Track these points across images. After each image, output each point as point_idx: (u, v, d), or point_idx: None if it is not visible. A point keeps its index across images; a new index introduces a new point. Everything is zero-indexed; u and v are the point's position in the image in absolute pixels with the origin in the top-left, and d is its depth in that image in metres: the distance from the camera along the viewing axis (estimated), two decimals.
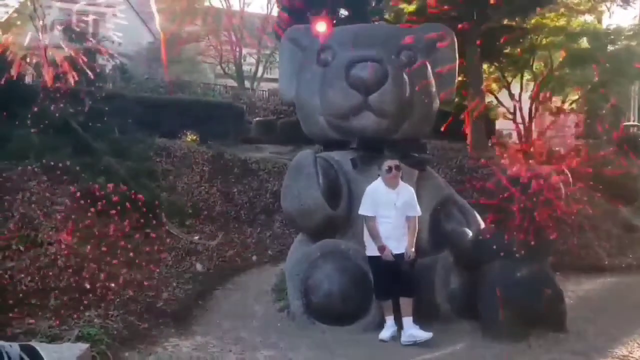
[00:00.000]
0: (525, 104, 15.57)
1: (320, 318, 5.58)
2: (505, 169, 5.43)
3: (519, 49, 14.98)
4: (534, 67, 16.36)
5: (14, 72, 6.06)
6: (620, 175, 8.23)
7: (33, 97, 7.27)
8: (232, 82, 25.90)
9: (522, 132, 13.60)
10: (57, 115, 7.90)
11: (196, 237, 8.44)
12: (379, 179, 5.52)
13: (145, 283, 5.84)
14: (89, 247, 5.73)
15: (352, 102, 6.20)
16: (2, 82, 5.14)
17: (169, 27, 20.71)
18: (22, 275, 5.26)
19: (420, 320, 5.23)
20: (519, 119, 14.45)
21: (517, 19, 13.79)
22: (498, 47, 14.34)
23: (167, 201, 8.72)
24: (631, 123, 20.34)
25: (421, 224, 5.69)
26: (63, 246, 5.66)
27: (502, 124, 17.37)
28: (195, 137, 12.36)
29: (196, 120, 13.10)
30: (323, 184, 5.87)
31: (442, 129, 7.12)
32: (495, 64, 15.57)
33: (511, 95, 15.79)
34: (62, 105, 7.97)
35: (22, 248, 5.65)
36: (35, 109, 7.67)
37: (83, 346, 4.22)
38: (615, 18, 64.89)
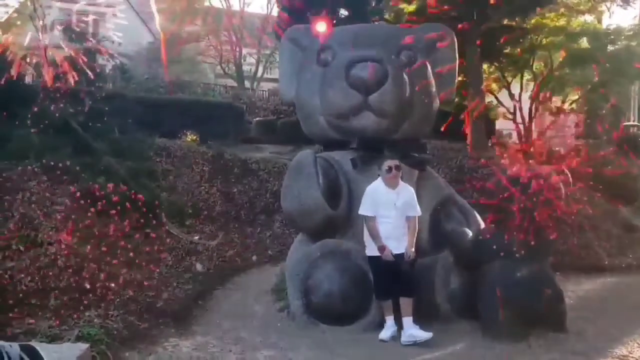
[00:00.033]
0: (526, 104, 15.57)
1: (320, 318, 5.58)
2: (505, 169, 5.43)
3: (519, 49, 14.98)
4: (534, 67, 16.36)
5: (14, 72, 6.06)
6: (620, 175, 8.23)
7: (33, 97, 7.27)
8: (232, 82, 25.91)
9: (522, 132, 13.60)
10: (57, 115, 7.90)
11: (196, 237, 8.44)
12: (379, 178, 5.52)
13: (145, 283, 5.85)
14: (89, 247, 5.73)
15: (352, 102, 6.20)
16: (2, 82, 5.14)
17: (169, 27, 20.71)
18: (22, 275, 5.27)
19: (420, 320, 5.23)
20: (519, 119, 14.45)
21: (517, 19, 13.79)
22: (498, 47, 14.34)
23: (167, 201, 8.72)
24: (631, 123, 20.34)
25: (421, 224, 5.69)
26: (63, 246, 5.66)
27: (502, 124, 17.37)
28: (195, 137, 12.35)
29: (196, 120, 13.10)
30: (323, 184, 5.87)
31: (442, 129, 7.13)
32: (495, 64, 15.57)
33: (511, 95, 15.80)
34: (62, 105, 7.97)
35: (22, 248, 5.66)
36: (35, 109, 7.67)
37: (83, 346, 4.23)
38: (616, 18, 64.94)
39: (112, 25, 12.26)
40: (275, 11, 24.54)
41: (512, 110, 14.96)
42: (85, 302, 5.16)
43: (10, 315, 4.76)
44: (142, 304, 5.53)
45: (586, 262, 8.92)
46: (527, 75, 16.63)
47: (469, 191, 7.34)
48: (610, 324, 5.93)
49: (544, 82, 16.03)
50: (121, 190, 6.59)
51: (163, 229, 7.81)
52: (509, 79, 16.29)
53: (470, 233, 5.83)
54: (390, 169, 5.41)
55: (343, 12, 16.43)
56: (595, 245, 9.49)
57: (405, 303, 5.24)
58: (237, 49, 26.56)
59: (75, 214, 6.28)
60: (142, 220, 6.80)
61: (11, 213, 6.25)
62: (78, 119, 8.67)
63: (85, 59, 7.25)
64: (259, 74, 27.51)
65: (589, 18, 16.38)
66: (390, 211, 5.36)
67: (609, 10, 16.44)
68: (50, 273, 5.37)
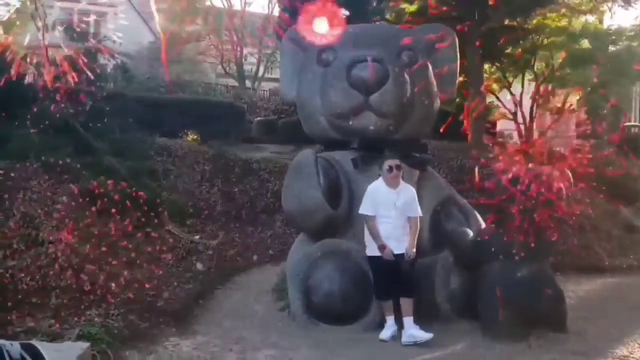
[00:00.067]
0: (527, 104, 15.56)
1: (320, 318, 5.59)
2: (505, 170, 5.42)
3: (519, 49, 14.97)
4: (535, 68, 16.36)
5: (13, 72, 6.05)
6: (621, 176, 8.22)
7: (33, 97, 7.28)
8: (233, 82, 25.90)
9: (523, 132, 13.60)
10: (57, 115, 7.90)
11: (197, 237, 8.44)
12: (380, 178, 5.53)
13: (146, 283, 5.85)
14: (89, 246, 5.74)
15: (353, 102, 6.21)
16: (2, 82, 5.14)
17: (170, 26, 20.70)
18: (23, 274, 5.27)
19: (421, 320, 5.23)
20: (520, 119, 14.43)
21: (518, 19, 13.79)
22: (499, 48, 14.33)
23: (168, 201, 8.72)
24: (632, 123, 20.34)
25: (421, 223, 5.68)
26: (64, 245, 5.67)
27: (503, 124, 17.36)
28: (196, 137, 12.36)
29: (197, 120, 13.10)
30: (324, 183, 5.87)
31: (442, 129, 7.13)
32: (497, 64, 15.56)
33: (512, 96, 15.79)
34: (62, 105, 7.97)
35: (23, 247, 5.66)
36: (35, 109, 7.68)
37: (84, 345, 4.23)
38: (617, 18, 64.84)
39: (113, 25, 12.25)
40: (276, 11, 24.56)
41: (513, 111, 14.95)
42: (86, 301, 5.17)
43: (11, 314, 4.76)
44: (142, 303, 5.54)
45: (587, 263, 8.92)
46: (528, 76, 16.63)
47: (469, 191, 7.33)
48: (611, 324, 5.93)
49: (545, 82, 16.01)
50: (121, 188, 6.58)
51: (164, 229, 7.82)
52: (510, 79, 16.29)
53: (470, 233, 5.84)
54: (391, 168, 5.42)
55: (344, 12, 16.41)
56: (596, 246, 9.50)
57: (406, 303, 5.24)
58: (238, 49, 26.55)
59: (76, 213, 6.29)
60: (143, 220, 6.81)
61: (12, 212, 6.26)
62: (79, 119, 8.68)
63: (86, 59, 7.24)
64: (260, 73, 27.50)
65: (590, 18, 16.38)
66: (391, 211, 5.36)
67: (610, 11, 16.44)
68: (51, 272, 5.37)
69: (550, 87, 15.70)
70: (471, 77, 13.08)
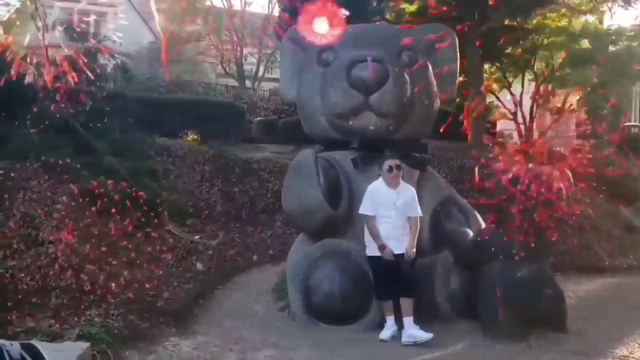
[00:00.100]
0: (527, 104, 15.56)
1: (320, 318, 5.59)
2: (505, 170, 5.42)
3: (519, 49, 14.97)
4: (535, 68, 16.36)
5: (13, 72, 6.05)
6: (621, 176, 8.22)
7: (33, 97, 7.29)
8: (233, 82, 25.90)
9: (523, 132, 13.59)
10: (57, 115, 7.91)
11: (197, 237, 8.44)
12: (380, 178, 5.53)
13: (146, 283, 5.85)
14: (89, 246, 5.74)
15: (353, 102, 6.21)
16: (2, 82, 5.14)
17: (170, 26, 20.70)
18: (23, 274, 5.27)
19: (421, 320, 5.23)
20: (520, 119, 14.43)
21: (518, 19, 13.79)
22: (499, 47, 14.33)
23: (168, 200, 8.73)
24: (632, 123, 20.34)
25: (421, 223, 5.68)
26: (64, 245, 5.67)
27: (503, 124, 17.36)
28: (196, 137, 12.36)
29: (197, 120, 13.10)
30: (324, 183, 5.87)
31: (441, 130, 7.14)
32: (497, 64, 15.56)
33: (512, 96, 15.79)
34: (62, 105, 7.97)
35: (23, 247, 5.66)
36: (35, 109, 7.68)
37: (84, 345, 4.23)
38: (617, 18, 64.84)
39: (113, 25, 12.25)
40: (276, 11, 24.55)
41: (513, 111, 14.94)
42: (86, 301, 5.17)
43: (11, 314, 4.77)
44: (142, 303, 5.54)
45: (587, 263, 8.92)
46: (528, 76, 16.63)
47: (469, 191, 7.33)
48: (611, 324, 5.93)
49: (545, 82, 16.02)
50: (121, 188, 6.58)
51: (164, 229, 7.82)
52: (510, 79, 16.29)
53: (470, 233, 5.84)
54: (391, 168, 5.42)
55: (344, 12, 16.40)
56: (596, 246, 9.50)
57: (406, 303, 5.24)
58: (238, 49, 26.55)
59: (76, 213, 6.29)
60: (143, 220, 6.80)
61: (12, 212, 6.26)
62: (79, 119, 8.68)
63: (86, 59, 7.24)
64: (260, 73, 27.50)
65: (590, 18, 16.39)
66: (391, 211, 5.36)
67: (610, 11, 16.44)
68: (51, 272, 5.37)
69: (550, 87, 15.70)
70: (471, 77, 13.08)
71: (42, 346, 2.53)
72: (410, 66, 6.40)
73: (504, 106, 15.88)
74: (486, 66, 15.14)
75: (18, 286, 5.14)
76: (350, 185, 6.17)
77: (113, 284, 5.41)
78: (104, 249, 5.75)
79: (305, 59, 6.87)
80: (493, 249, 5.30)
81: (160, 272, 6.35)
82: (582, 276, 8.25)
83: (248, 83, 26.42)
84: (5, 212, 6.24)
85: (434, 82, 6.67)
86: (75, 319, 4.86)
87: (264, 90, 24.35)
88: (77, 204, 6.40)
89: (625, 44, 15.81)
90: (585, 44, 15.90)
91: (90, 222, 6.04)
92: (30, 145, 7.71)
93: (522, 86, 16.23)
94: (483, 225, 6.08)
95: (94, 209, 6.17)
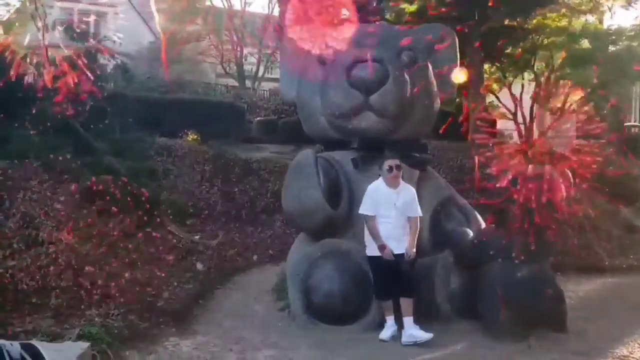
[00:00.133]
0: (527, 104, 15.54)
1: (320, 318, 5.58)
2: (505, 170, 5.42)
3: (519, 49, 14.97)
4: (535, 68, 16.36)
5: (13, 72, 6.05)
6: (621, 176, 8.22)
7: (33, 97, 7.29)
8: (233, 82, 25.89)
9: (523, 132, 13.56)
10: (57, 115, 7.91)
11: (197, 237, 8.44)
12: (380, 178, 5.53)
13: (146, 283, 5.85)
14: (89, 246, 5.74)
15: (353, 102, 6.20)
16: (2, 82, 5.15)
17: (170, 26, 20.69)
18: (23, 274, 5.28)
19: (421, 320, 5.23)
20: (520, 119, 14.40)
21: (518, 19, 13.79)
22: (499, 48, 14.33)
23: (168, 200, 8.73)
24: (632, 124, 20.33)
25: (421, 223, 5.68)
26: (64, 245, 5.67)
27: (503, 124, 17.34)
28: (196, 137, 12.36)
29: (197, 120, 13.11)
30: (324, 183, 5.87)
31: (441, 130, 7.14)
32: (497, 64, 15.56)
33: (512, 96, 15.77)
34: (62, 105, 7.96)
35: (23, 247, 5.66)
36: (35, 109, 7.68)
37: (84, 345, 4.23)
38: (617, 18, 64.81)
39: (113, 25, 12.26)
40: (276, 11, 24.55)
41: (512, 111, 14.93)
42: (86, 301, 5.17)
43: (11, 314, 4.77)
44: (142, 303, 5.54)
45: (587, 263, 8.91)
46: (528, 76, 16.63)
47: (469, 191, 7.34)
48: (611, 324, 5.93)
49: (545, 82, 16.01)
50: (122, 184, 6.58)
51: (164, 229, 7.82)
52: (510, 79, 16.29)
53: (470, 233, 5.84)
54: (391, 168, 5.42)
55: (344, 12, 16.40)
56: (596, 246, 9.49)
57: (406, 303, 5.24)
58: (238, 49, 26.54)
59: (76, 213, 6.29)
60: (145, 218, 6.81)
61: (12, 212, 6.26)
62: (79, 119, 8.68)
63: (86, 59, 7.24)
64: (260, 73, 27.48)
65: (590, 18, 16.38)
66: (391, 211, 5.36)
67: (610, 11, 16.44)
68: (51, 272, 5.37)
69: (553, 84, 15.68)
70: (471, 77, 13.06)
71: (42, 346, 2.53)
72: (410, 66, 6.40)
73: (504, 106, 15.86)
74: (486, 66, 15.13)
75: (18, 286, 5.15)
76: (350, 185, 6.16)
77: (113, 284, 5.41)
78: (104, 249, 5.75)
79: (306, 58, 6.86)
80: (493, 249, 5.30)
81: (161, 272, 6.35)
82: (582, 276, 8.24)
83: (248, 83, 26.40)
84: (5, 212, 6.23)
85: (434, 82, 6.67)
86: (75, 319, 4.86)
87: (264, 90, 24.33)
88: (77, 204, 6.40)
89: (625, 44, 15.80)
90: (585, 44, 15.90)
91: (90, 222, 6.05)
92: (30, 145, 7.71)
93: (522, 86, 16.20)
94: (483, 225, 6.08)
95: (94, 208, 6.17)
